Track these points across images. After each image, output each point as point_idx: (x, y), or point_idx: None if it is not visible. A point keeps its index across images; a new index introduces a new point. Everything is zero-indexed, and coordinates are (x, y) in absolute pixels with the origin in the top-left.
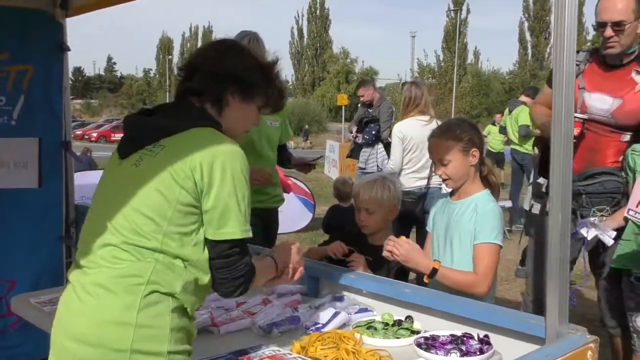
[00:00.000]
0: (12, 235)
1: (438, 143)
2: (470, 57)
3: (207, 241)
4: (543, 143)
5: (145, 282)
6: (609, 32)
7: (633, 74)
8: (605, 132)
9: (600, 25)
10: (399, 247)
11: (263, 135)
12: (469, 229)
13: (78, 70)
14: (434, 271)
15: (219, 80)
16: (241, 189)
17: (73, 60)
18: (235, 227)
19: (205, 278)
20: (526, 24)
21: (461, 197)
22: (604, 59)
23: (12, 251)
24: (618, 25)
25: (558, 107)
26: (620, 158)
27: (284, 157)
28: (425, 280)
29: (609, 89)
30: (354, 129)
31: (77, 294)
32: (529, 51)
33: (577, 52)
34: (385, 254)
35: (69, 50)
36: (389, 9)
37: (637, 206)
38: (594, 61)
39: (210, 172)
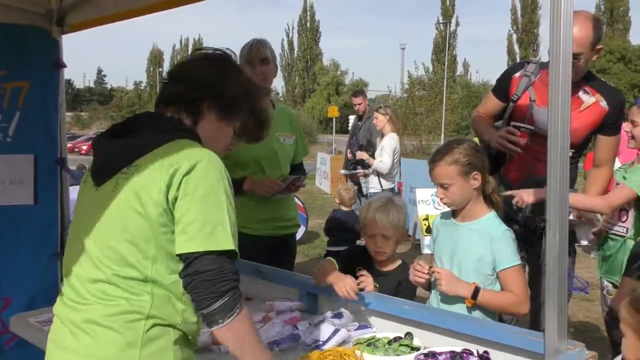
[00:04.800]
0: (7, 251)
1: (438, 167)
2: (460, 69)
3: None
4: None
5: (145, 317)
6: None
7: (581, 93)
8: None
9: None
10: (444, 278)
11: (281, 154)
12: (484, 254)
13: (68, 83)
14: (477, 291)
15: (195, 87)
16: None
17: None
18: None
19: None
20: (515, 36)
21: (466, 219)
22: None
23: (7, 268)
24: (574, 58)
25: (554, 128)
26: None
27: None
28: (468, 304)
29: None
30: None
31: (70, 332)
32: None
33: (528, 62)
34: (414, 279)
35: (65, 66)
36: (379, 21)
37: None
38: (543, 75)
39: (187, 182)
